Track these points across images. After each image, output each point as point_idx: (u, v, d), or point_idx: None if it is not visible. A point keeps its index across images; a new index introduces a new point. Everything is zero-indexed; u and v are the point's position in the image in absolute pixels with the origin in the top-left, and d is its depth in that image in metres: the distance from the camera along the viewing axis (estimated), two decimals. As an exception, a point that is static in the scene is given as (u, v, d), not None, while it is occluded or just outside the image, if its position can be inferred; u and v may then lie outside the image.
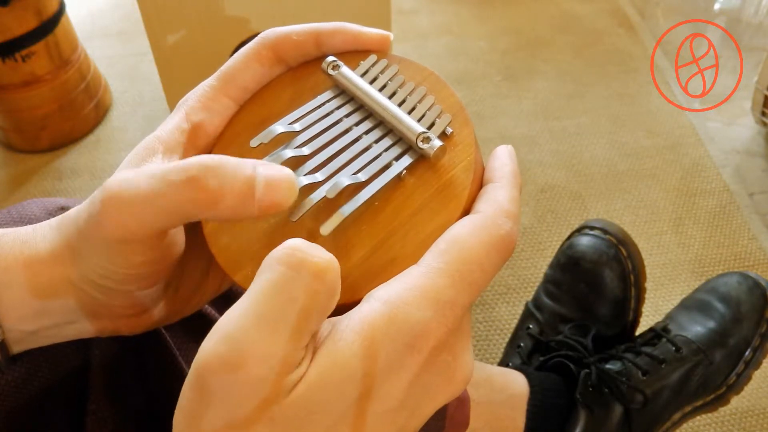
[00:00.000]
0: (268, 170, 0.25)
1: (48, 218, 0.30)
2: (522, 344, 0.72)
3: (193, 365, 0.22)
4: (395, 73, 0.31)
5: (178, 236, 0.29)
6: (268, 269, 0.22)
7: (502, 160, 0.29)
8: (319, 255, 0.22)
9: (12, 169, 1.11)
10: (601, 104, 1.17)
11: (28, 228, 0.30)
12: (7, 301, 0.28)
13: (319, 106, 0.30)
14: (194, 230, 0.32)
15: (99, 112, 1.17)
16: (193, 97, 0.30)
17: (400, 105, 0.30)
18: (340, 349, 0.22)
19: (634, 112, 1.15)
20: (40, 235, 0.29)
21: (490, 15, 1.37)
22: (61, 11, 1.06)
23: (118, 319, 0.30)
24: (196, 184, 0.24)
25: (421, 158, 0.28)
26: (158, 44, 0.97)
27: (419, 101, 0.30)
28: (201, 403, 0.22)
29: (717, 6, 1.34)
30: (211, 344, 0.21)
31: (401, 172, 0.28)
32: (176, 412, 0.23)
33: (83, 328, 0.30)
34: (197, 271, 0.33)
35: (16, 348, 0.30)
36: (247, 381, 0.21)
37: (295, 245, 0.22)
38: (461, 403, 0.49)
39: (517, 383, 0.63)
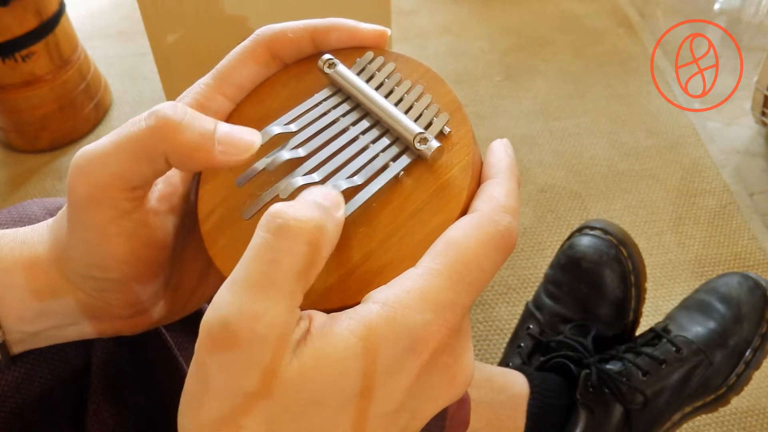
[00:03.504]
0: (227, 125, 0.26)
1: (48, 218, 0.30)
2: (522, 344, 0.72)
3: (196, 345, 0.22)
4: (392, 71, 0.30)
5: (161, 220, 0.29)
6: (254, 238, 0.22)
7: (498, 155, 0.28)
8: (298, 217, 0.22)
9: (12, 169, 1.11)
10: (601, 104, 1.17)
11: (27, 228, 0.30)
12: (7, 302, 0.28)
13: (315, 106, 0.30)
14: (192, 228, 0.32)
15: (99, 112, 1.17)
16: (188, 95, 0.30)
17: (397, 104, 0.29)
18: (334, 344, 0.22)
19: (634, 112, 1.15)
20: (38, 236, 0.29)
21: (490, 15, 1.37)
22: (61, 11, 1.06)
23: (117, 320, 0.30)
24: (158, 113, 0.25)
25: (419, 158, 0.28)
26: (158, 44, 0.97)
27: (416, 100, 0.29)
28: (201, 386, 0.22)
29: (717, 6, 1.34)
30: (208, 315, 0.22)
31: (399, 173, 0.28)
32: (181, 399, 0.23)
33: (84, 330, 0.30)
34: (196, 270, 0.33)
35: (17, 348, 0.30)
36: (248, 346, 0.21)
37: (275, 211, 0.22)
38: (462, 403, 0.49)
39: (517, 384, 0.63)
